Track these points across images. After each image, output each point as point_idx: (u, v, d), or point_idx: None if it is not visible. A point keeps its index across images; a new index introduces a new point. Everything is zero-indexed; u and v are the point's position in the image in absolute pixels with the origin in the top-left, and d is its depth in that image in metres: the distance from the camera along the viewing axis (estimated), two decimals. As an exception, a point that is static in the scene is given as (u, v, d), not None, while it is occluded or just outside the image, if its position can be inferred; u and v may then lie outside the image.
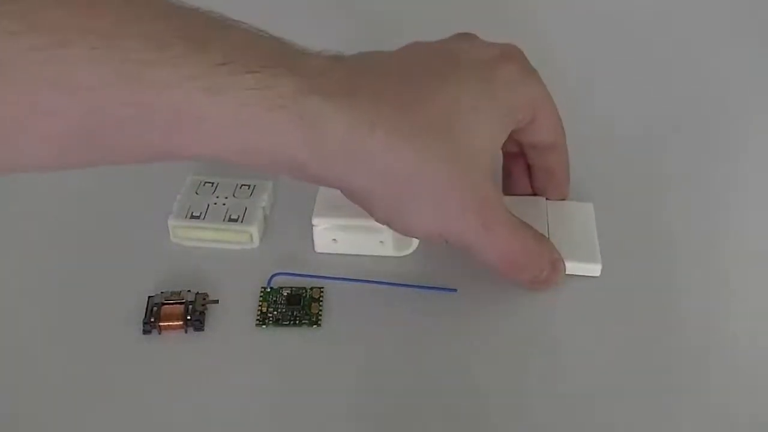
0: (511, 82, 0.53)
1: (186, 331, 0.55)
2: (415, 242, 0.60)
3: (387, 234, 0.59)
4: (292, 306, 0.56)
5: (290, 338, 0.55)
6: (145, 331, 0.55)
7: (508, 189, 0.62)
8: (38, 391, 0.53)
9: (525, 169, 0.60)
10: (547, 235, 0.58)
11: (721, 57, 0.78)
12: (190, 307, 0.56)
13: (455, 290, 0.58)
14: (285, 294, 0.57)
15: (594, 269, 0.58)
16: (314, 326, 0.55)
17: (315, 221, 0.59)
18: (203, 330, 0.55)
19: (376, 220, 0.52)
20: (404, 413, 0.52)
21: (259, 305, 0.56)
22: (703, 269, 0.60)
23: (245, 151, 0.46)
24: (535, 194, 0.62)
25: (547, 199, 0.61)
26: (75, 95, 0.41)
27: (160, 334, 0.55)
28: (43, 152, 0.44)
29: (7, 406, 0.52)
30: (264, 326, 0.55)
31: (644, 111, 0.73)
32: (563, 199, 0.62)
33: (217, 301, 0.57)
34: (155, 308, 0.55)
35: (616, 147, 0.69)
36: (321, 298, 0.57)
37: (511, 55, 0.54)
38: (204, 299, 0.56)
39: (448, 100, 0.50)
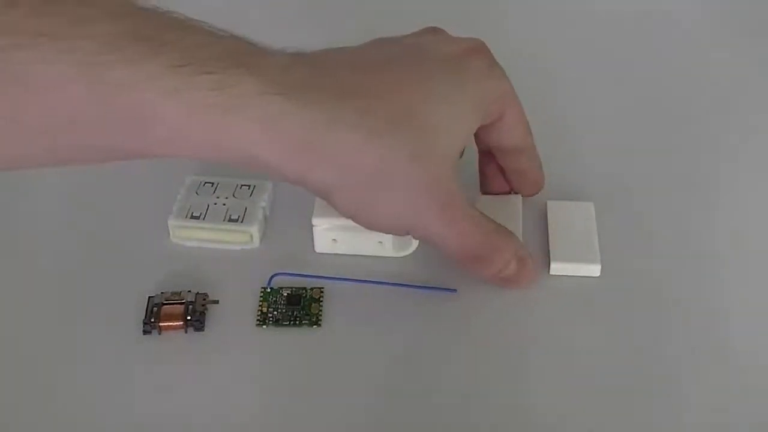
0: (480, 76, 0.53)
1: (186, 331, 0.55)
2: (415, 243, 0.59)
3: (387, 234, 0.59)
4: (292, 306, 0.56)
5: (290, 338, 0.55)
6: (145, 331, 0.55)
7: (484, 188, 0.63)
8: (38, 390, 0.53)
9: (498, 168, 0.61)
10: (521, 233, 0.59)
11: (722, 56, 0.78)
12: (190, 307, 0.56)
13: (455, 290, 0.58)
14: (285, 294, 0.57)
15: (594, 269, 0.58)
16: (314, 326, 0.55)
17: (315, 221, 0.59)
18: (203, 330, 0.55)
19: (341, 214, 0.52)
20: (404, 413, 0.52)
21: (260, 305, 0.56)
22: (703, 269, 0.60)
23: (209, 151, 0.46)
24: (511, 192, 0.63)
25: (519, 195, 0.62)
26: (33, 96, 0.40)
27: (160, 334, 0.55)
28: (3, 151, 0.43)
29: (8, 405, 0.52)
30: (264, 326, 0.55)
31: (644, 111, 0.73)
32: (533, 194, 0.62)
33: (217, 301, 0.57)
34: (155, 308, 0.55)
35: (616, 147, 0.69)
36: (321, 299, 0.57)
37: (478, 49, 0.54)
38: (204, 299, 0.56)
39: (416, 93, 0.49)
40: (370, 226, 0.53)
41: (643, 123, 0.72)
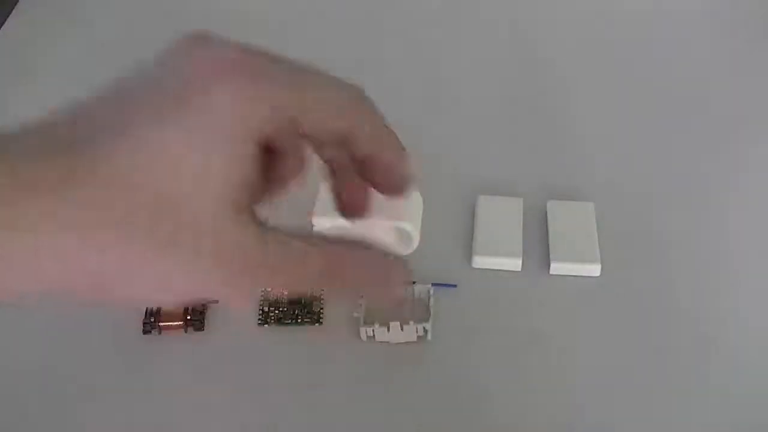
0: (230, 102, 0.40)
1: (186, 331, 0.55)
2: (416, 242, 0.59)
3: (388, 234, 0.59)
4: (294, 305, 0.56)
5: (292, 337, 0.55)
6: (145, 331, 0.55)
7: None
8: (39, 390, 0.53)
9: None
10: (521, 233, 0.59)
11: (723, 58, 0.78)
12: (190, 307, 0.55)
13: (455, 285, 0.58)
14: (286, 293, 0.57)
15: (594, 269, 0.58)
16: (316, 324, 0.55)
17: (315, 221, 0.59)
18: (203, 330, 0.55)
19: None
20: (405, 410, 0.52)
21: (261, 305, 0.56)
22: (703, 269, 0.60)
23: None
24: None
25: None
26: None
27: (160, 334, 0.55)
28: None
29: (9, 405, 0.52)
30: (266, 325, 0.55)
31: (645, 112, 0.73)
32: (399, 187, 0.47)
33: (217, 301, 0.57)
34: (155, 308, 0.55)
35: (617, 147, 0.69)
36: (322, 297, 0.57)
37: (227, 68, 0.41)
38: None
39: (150, 160, 0.38)
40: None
41: (644, 124, 0.72)
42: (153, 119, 0.38)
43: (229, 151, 0.39)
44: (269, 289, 0.57)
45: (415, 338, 0.54)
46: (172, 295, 0.38)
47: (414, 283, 0.57)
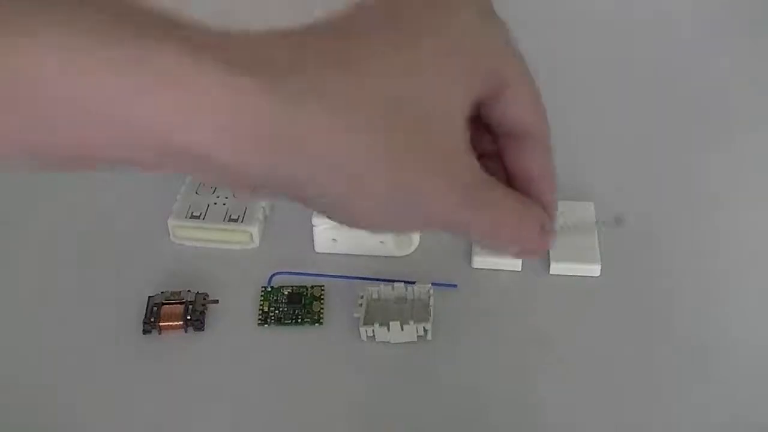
0: (470, 29, 0.41)
1: (186, 331, 0.55)
2: (416, 242, 0.60)
3: (387, 234, 0.59)
4: (294, 305, 0.56)
5: (292, 337, 0.55)
6: (145, 331, 0.55)
7: None
8: (39, 390, 0.52)
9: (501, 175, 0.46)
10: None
11: (722, 57, 0.78)
12: (190, 307, 0.55)
13: (455, 285, 0.58)
14: (286, 293, 0.57)
15: (594, 269, 0.58)
16: (316, 324, 0.55)
17: (315, 221, 0.59)
18: (203, 330, 0.55)
19: (315, 211, 0.43)
20: (405, 410, 0.52)
21: (261, 305, 0.56)
22: (702, 269, 0.60)
23: (123, 141, 0.33)
24: None
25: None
26: None
27: (160, 334, 0.55)
28: None
29: (9, 405, 0.52)
30: (266, 325, 0.55)
31: (644, 111, 0.73)
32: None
33: (217, 301, 0.57)
34: (155, 308, 0.55)
35: (616, 147, 0.69)
36: (322, 297, 0.57)
37: None
38: (204, 299, 0.56)
39: (403, 62, 0.38)
40: (360, 227, 0.41)
41: (644, 124, 0.72)
42: (407, 36, 0.38)
43: (461, 80, 0.40)
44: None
45: (415, 338, 0.54)
46: (391, 215, 0.38)
47: (414, 283, 0.57)
